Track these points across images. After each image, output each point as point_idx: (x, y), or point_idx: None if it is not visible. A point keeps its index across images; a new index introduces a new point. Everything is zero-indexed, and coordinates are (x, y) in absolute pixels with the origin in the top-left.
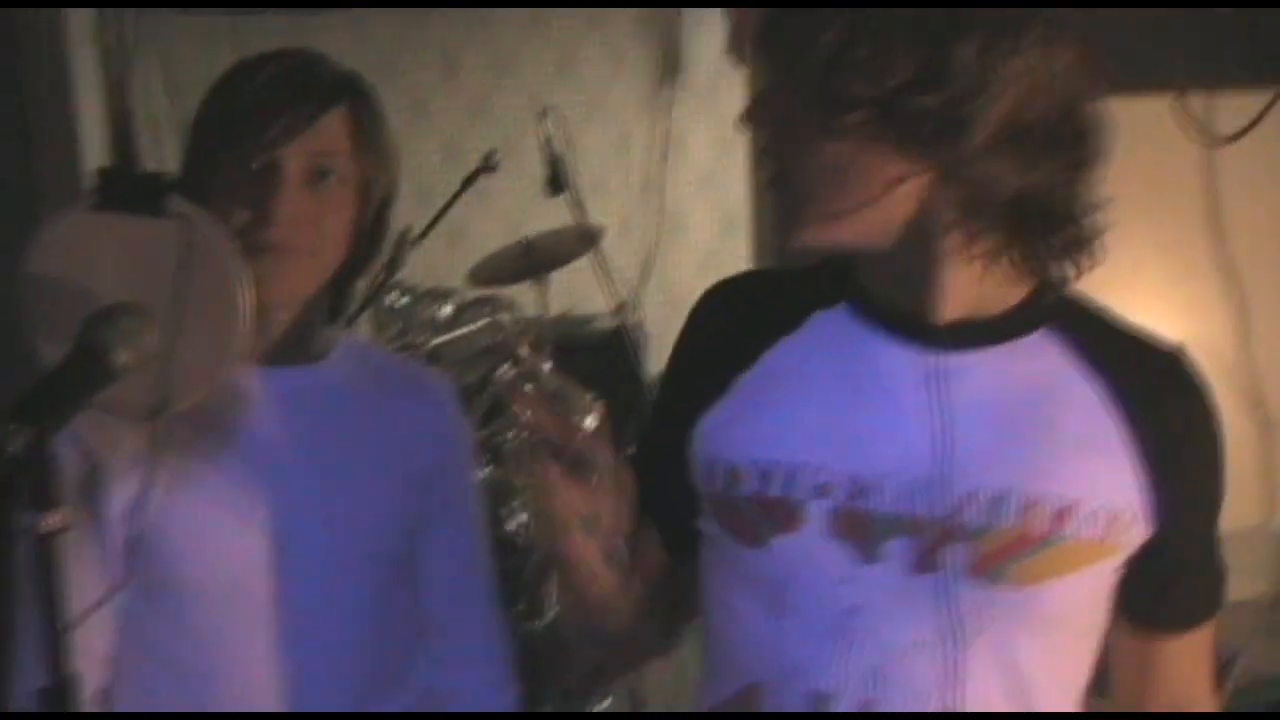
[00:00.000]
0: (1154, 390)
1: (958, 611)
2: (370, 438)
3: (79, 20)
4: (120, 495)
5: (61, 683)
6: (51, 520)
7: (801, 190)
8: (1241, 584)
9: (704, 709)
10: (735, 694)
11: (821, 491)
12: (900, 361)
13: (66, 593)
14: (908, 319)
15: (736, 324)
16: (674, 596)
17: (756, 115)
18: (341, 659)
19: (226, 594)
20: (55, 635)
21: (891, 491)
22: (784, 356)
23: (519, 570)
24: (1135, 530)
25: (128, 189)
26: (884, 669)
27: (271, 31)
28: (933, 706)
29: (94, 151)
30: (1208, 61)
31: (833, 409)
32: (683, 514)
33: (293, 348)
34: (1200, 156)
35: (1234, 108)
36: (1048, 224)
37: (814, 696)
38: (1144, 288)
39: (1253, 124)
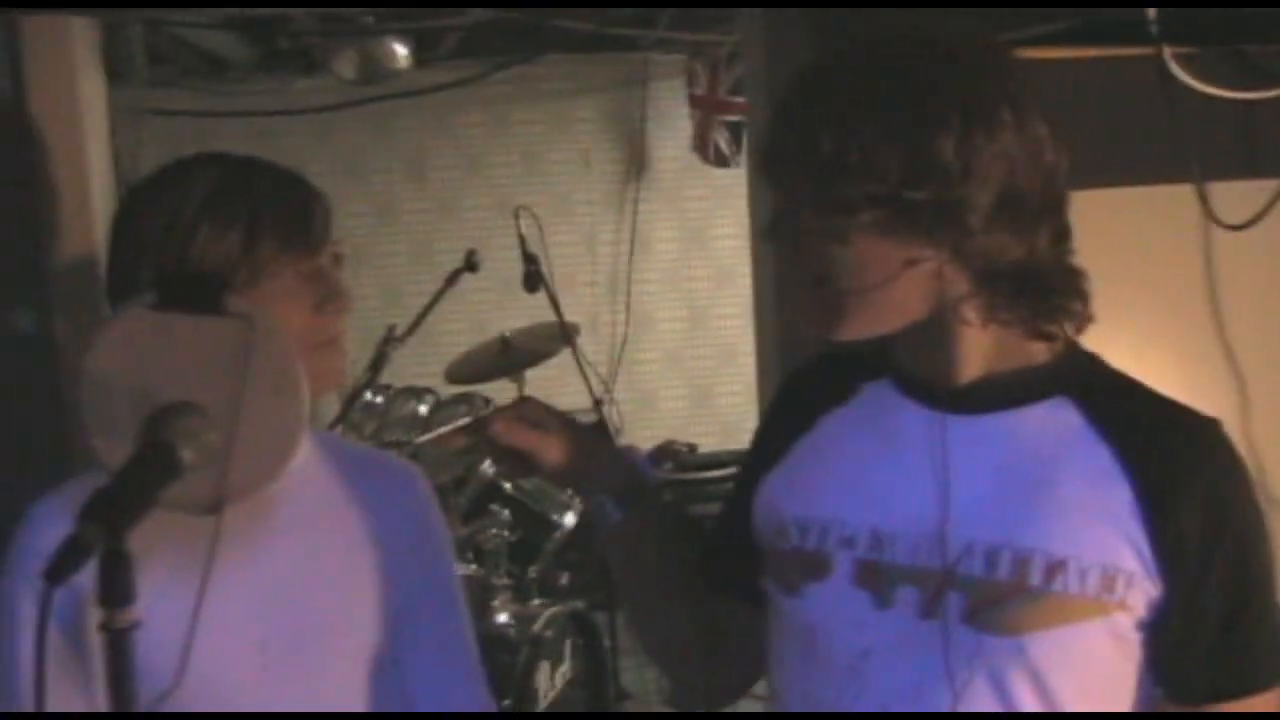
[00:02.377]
0: (1168, 455)
1: (955, 655)
2: (344, 529)
3: (94, 118)
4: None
5: None
6: (126, 616)
7: (840, 287)
8: None
9: None
10: None
11: (847, 544)
12: (917, 423)
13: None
14: (927, 385)
15: (802, 397)
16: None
17: (778, 232)
18: None
19: (209, 705)
20: None
21: (903, 543)
22: (833, 423)
23: (509, 665)
24: (1139, 591)
25: (188, 289)
26: (890, 708)
27: (244, 136)
28: None
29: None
30: (1208, 153)
31: (862, 469)
32: (753, 570)
33: None
34: (1199, 242)
35: (1227, 196)
36: (1047, 286)
37: None
38: (1147, 372)
39: (1263, 213)
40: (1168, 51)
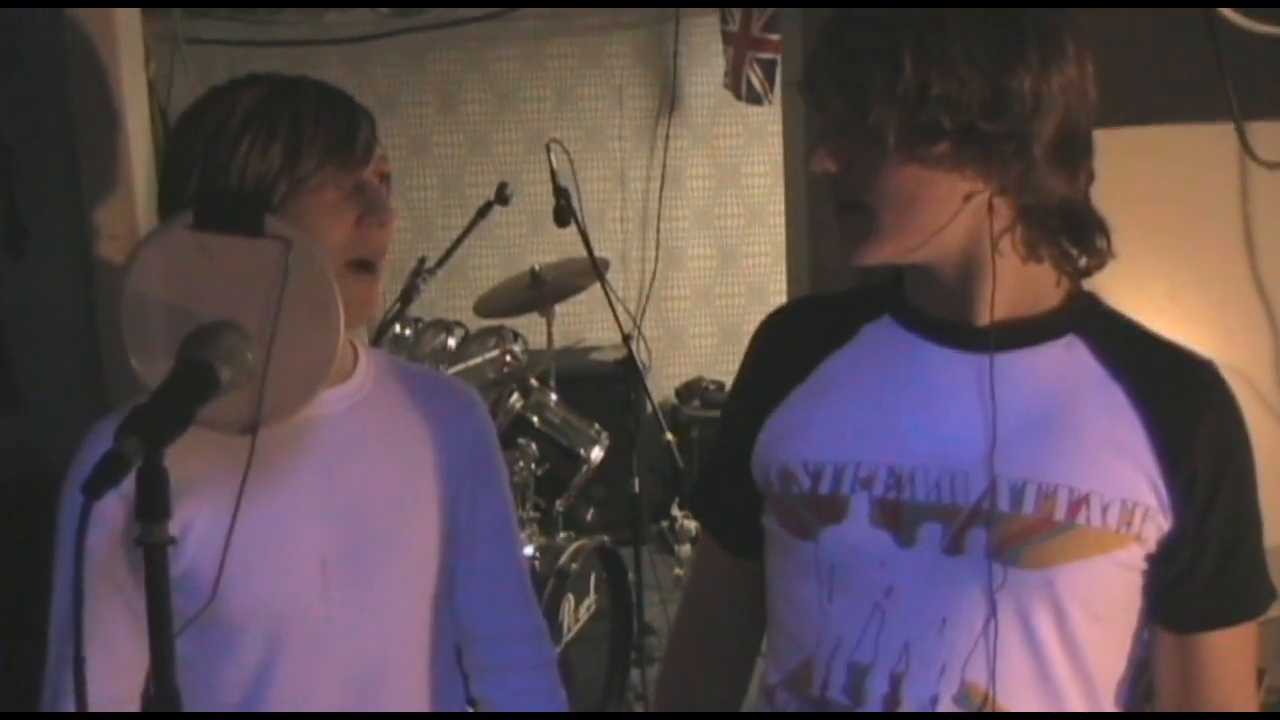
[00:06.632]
0: (1176, 395)
1: (981, 590)
2: (404, 449)
3: (130, 46)
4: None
5: (167, 694)
6: (162, 531)
7: (879, 214)
8: None
9: (770, 682)
10: (796, 666)
11: (865, 485)
12: (946, 362)
13: (169, 605)
14: (952, 323)
15: (792, 343)
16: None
17: (828, 151)
18: (389, 678)
19: (270, 624)
20: (162, 645)
21: (923, 481)
22: (834, 367)
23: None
24: (1153, 524)
25: (227, 210)
26: (914, 643)
27: (277, 67)
28: (955, 680)
29: (144, 178)
30: (1252, 92)
31: (877, 409)
32: (748, 513)
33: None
34: (1236, 181)
35: (1266, 134)
36: (1080, 224)
37: (854, 668)
38: (1180, 312)
39: None
40: None
